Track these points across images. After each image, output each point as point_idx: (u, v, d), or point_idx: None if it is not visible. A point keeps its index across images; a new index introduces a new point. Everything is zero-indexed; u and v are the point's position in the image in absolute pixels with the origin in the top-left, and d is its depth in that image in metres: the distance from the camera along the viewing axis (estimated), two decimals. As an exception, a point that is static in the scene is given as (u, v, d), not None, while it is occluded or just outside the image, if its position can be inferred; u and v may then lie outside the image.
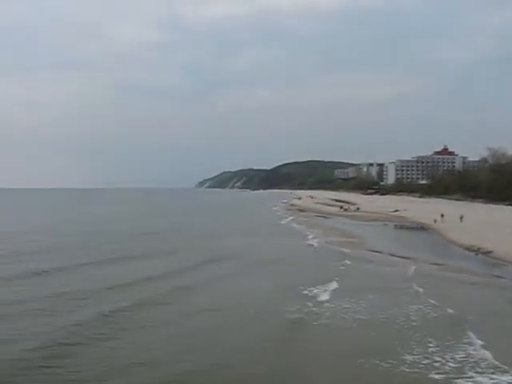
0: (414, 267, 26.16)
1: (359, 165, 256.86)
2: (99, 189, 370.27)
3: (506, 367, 11.90)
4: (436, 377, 11.51)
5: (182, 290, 19.94)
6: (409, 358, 12.60)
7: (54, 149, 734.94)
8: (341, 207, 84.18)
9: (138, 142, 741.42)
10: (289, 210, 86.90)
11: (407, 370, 11.86)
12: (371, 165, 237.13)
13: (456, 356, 12.69)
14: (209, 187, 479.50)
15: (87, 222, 58.10)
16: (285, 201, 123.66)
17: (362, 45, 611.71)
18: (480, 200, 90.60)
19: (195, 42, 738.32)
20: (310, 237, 40.35)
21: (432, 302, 18.44)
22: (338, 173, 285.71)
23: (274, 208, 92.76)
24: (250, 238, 39.81)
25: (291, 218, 64.56)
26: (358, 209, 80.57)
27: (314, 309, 17.32)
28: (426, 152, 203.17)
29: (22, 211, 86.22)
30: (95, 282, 21.09)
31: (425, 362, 12.34)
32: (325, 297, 19.18)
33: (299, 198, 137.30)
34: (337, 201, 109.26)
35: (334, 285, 21.51)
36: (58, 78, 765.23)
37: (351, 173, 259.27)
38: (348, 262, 27.90)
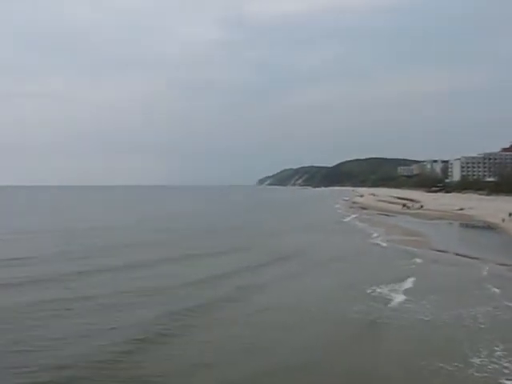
0: (486, 267, 25.27)
1: (423, 162, 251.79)
2: (163, 186, 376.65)
3: None
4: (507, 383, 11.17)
5: (247, 289, 20.03)
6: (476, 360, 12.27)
7: (128, 148, 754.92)
8: (404, 205, 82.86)
9: (201, 141, 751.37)
10: (351, 207, 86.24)
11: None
12: (435, 161, 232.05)
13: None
14: (270, 185, 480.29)
15: (159, 218, 60.32)
16: (346, 198, 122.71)
17: (424, 40, 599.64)
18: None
19: (259, 39, 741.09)
20: (374, 235, 39.95)
21: (509, 304, 17.82)
22: (400, 170, 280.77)
23: (336, 206, 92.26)
24: (312, 236, 39.71)
25: (353, 215, 64.08)
26: (421, 207, 79.17)
27: (385, 310, 16.98)
28: (493, 149, 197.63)
29: (99, 207, 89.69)
30: (165, 280, 21.66)
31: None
32: (395, 296, 18.79)
33: (361, 196, 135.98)
34: (399, 198, 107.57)
35: (406, 284, 21.14)
36: (127, 78, 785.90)
37: (415, 170, 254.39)
38: (416, 260, 27.46)
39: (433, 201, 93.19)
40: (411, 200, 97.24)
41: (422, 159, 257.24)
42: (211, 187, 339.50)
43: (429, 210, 72.98)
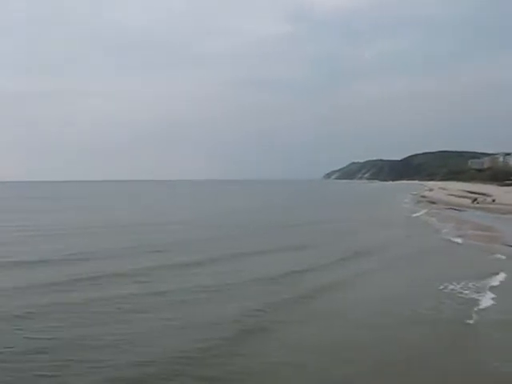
0: None
1: (495, 155, 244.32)
2: (227, 181, 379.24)
3: None
4: None
5: (326, 287, 19.72)
6: None
7: (192, 143, 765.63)
8: (474, 199, 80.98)
9: (266, 135, 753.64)
10: (419, 202, 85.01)
11: None
12: (508, 154, 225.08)
13: None
14: (336, 178, 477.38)
15: (229, 212, 61.67)
16: (415, 192, 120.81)
17: (502, 29, 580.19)
18: None
19: (322, 32, 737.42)
20: (444, 230, 39.30)
21: None
22: (471, 163, 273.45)
23: (405, 200, 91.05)
24: (382, 232, 39.43)
25: (423, 210, 63.24)
26: (493, 201, 77.20)
27: (475, 310, 16.18)
28: None
29: (169, 202, 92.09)
30: (241, 275, 21.76)
31: None
32: (482, 298, 17.81)
33: (430, 190, 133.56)
34: (470, 192, 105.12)
35: (493, 281, 20.28)
36: (187, 75, 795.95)
37: (486, 163, 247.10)
38: (497, 256, 26.58)
39: (505, 195, 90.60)
40: (482, 194, 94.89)
41: (494, 152, 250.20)
42: (276, 182, 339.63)
43: (501, 204, 71.12)
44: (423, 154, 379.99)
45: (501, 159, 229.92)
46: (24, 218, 50.86)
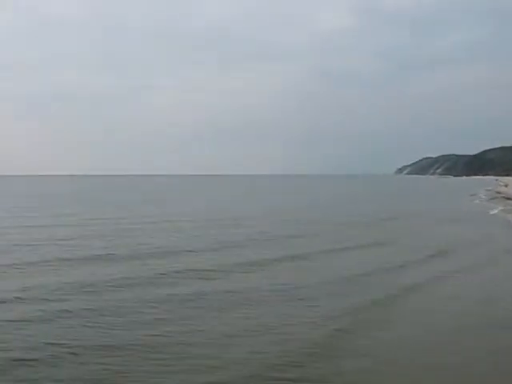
0: None
1: None
2: (296, 175, 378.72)
3: None
4: None
5: (408, 286, 19.12)
6: None
7: (262, 136, 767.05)
8: (554, 196, 79.36)
9: (335, 128, 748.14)
10: (495, 198, 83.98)
11: None
12: None
13: None
14: (408, 174, 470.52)
15: (306, 207, 62.65)
16: (489, 188, 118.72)
17: None
18: None
19: (390, 24, 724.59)
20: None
21: None
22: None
23: (480, 195, 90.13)
24: (460, 229, 38.49)
25: (499, 207, 62.78)
26: None
27: None
28: None
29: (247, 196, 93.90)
30: (330, 272, 21.74)
31: None
32: None
33: (506, 186, 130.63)
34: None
35: None
36: (258, 68, 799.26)
37: None
38: None
39: None
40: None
41: None
42: (347, 176, 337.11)
43: None
44: (499, 148, 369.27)
45: None
46: (112, 211, 54.37)
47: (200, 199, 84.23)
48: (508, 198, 79.69)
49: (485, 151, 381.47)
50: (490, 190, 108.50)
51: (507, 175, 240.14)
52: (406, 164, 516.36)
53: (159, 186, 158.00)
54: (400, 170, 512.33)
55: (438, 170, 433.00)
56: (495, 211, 56.90)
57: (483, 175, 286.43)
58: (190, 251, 26.50)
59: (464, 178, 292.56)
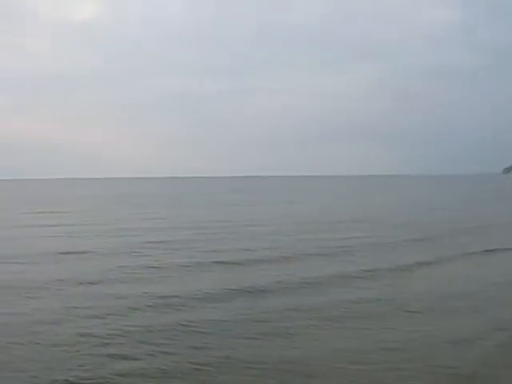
0: None
1: None
2: (395, 176, 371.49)
3: None
4: None
5: None
6: None
7: (360, 136, 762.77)
8: None
9: (433, 126, 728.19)
10: None
11: None
12: None
13: None
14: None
15: (409, 211, 57.49)
16: None
17: None
18: None
19: (494, 18, 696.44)
20: None
21: None
22: None
23: None
24: None
25: None
26: None
27: None
28: None
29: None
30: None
31: None
32: None
33: None
34: None
35: None
36: (358, 66, 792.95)
37: None
38: None
39: None
40: None
41: None
42: (450, 176, 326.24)
43: None
44: None
45: None
46: (230, 211, 55.57)
47: (309, 199, 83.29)
48: None
49: None
50: None
51: None
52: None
53: (284, 187, 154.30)
54: (507, 170, 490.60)
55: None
56: None
57: None
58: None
59: None
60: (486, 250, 26.68)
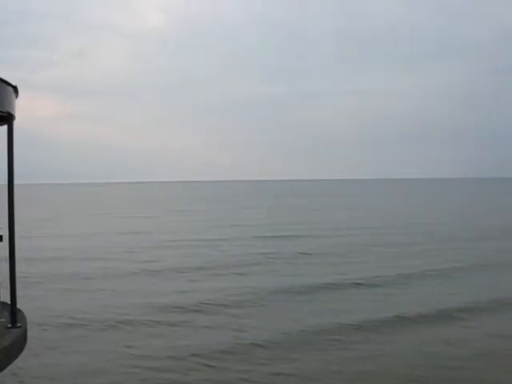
0: None
1: None
2: (477, 178, 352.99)
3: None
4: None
5: None
6: None
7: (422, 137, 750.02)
8: None
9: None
10: None
11: None
12: None
13: None
14: None
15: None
16: None
17: None
18: None
19: None
20: None
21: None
22: None
23: None
24: None
25: None
26: None
27: None
28: None
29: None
30: None
31: None
32: None
33: None
34: None
35: None
36: (439, 66, 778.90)
37: None
38: None
39: None
40: None
41: None
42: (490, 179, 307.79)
43: None
44: None
45: None
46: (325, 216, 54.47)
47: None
48: None
49: None
50: None
51: None
52: None
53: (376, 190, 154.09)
54: None
55: None
56: None
57: None
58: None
59: None
60: None
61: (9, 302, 7.39)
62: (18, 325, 7.11)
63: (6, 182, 7.14)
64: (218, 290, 18.35)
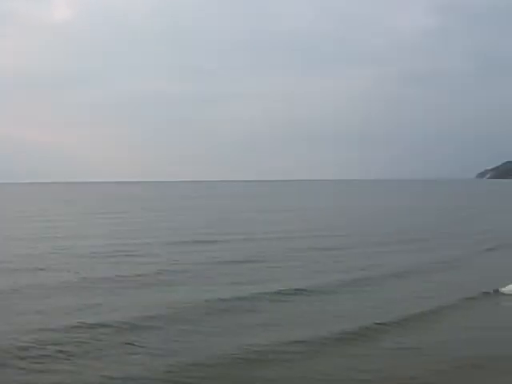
0: None
1: None
2: (386, 180, 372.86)
3: None
4: None
5: None
6: None
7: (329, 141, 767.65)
8: None
9: (415, 132, 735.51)
10: None
11: None
12: None
13: None
14: (490, 178, 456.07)
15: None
16: None
17: None
18: None
19: (474, 25, 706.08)
20: None
21: None
22: None
23: None
24: None
25: None
26: None
27: None
28: None
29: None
30: None
31: None
32: None
33: None
34: None
35: None
36: (347, 73, 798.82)
37: None
38: None
39: None
40: None
41: None
42: (427, 181, 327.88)
43: None
44: None
45: None
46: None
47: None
48: None
49: None
50: None
51: None
52: (488, 168, 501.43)
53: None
54: (481, 175, 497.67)
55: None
56: None
57: None
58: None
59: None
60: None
61: None
62: None
63: None
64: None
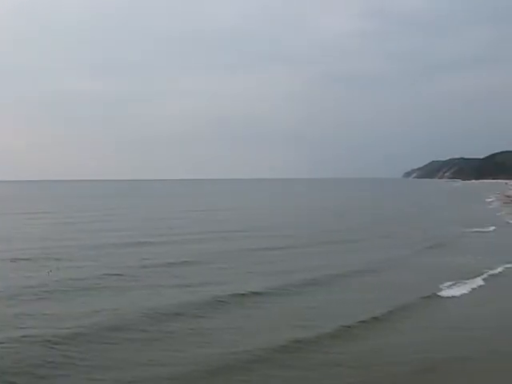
0: None
1: None
2: (313, 179, 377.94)
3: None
4: None
5: None
6: None
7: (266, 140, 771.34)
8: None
9: (341, 132, 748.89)
10: (505, 202, 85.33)
11: None
12: None
13: None
14: (416, 177, 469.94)
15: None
16: (498, 192, 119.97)
17: None
18: None
19: (399, 28, 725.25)
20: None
21: None
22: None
23: (488, 199, 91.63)
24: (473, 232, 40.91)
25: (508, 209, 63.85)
26: None
27: None
28: None
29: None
30: None
31: None
32: None
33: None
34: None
35: None
36: (267, 72, 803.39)
37: None
38: None
39: None
40: None
41: None
42: (353, 180, 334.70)
43: None
44: (509, 151, 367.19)
45: None
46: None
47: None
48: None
49: (494, 154, 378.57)
50: (499, 194, 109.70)
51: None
52: (414, 167, 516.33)
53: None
54: (408, 174, 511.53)
55: (447, 174, 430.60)
56: (501, 214, 58.89)
57: (492, 179, 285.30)
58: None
59: (473, 181, 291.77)
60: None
61: None
62: None
63: None
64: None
